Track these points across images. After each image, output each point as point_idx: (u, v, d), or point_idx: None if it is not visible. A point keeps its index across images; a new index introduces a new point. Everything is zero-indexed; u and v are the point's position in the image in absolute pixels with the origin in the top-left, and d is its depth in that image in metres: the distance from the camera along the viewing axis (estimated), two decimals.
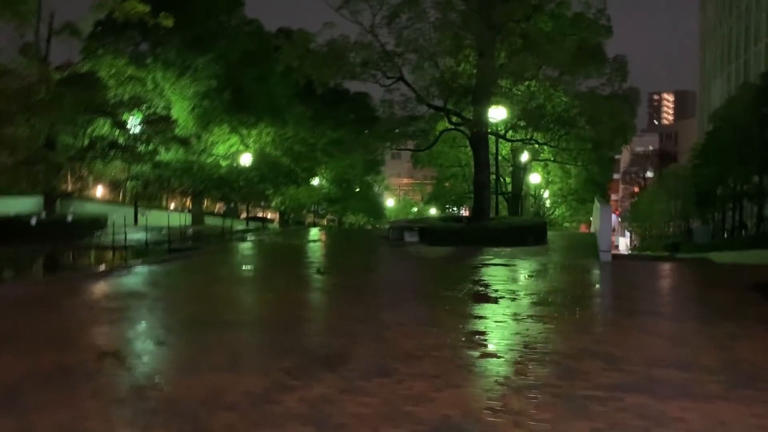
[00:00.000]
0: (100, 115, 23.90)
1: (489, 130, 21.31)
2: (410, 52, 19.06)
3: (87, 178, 36.91)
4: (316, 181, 42.97)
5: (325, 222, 58.00)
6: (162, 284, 11.90)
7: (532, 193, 39.55)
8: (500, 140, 22.63)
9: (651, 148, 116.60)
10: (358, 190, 50.77)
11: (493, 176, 31.84)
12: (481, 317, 8.58)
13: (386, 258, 17.16)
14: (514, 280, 12.57)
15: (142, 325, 8.15)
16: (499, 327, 7.93)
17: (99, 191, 41.53)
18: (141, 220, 32.49)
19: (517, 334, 7.56)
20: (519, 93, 20.28)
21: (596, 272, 14.26)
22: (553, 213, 43.22)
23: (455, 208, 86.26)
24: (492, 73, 19.16)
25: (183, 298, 10.62)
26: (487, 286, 11.46)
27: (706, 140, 29.50)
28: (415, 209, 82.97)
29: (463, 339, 7.27)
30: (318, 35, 20.79)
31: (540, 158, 30.94)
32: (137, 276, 12.91)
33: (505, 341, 7.22)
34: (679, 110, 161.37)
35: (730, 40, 67.03)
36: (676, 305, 10.74)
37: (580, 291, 11.53)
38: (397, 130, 22.14)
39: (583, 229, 46.05)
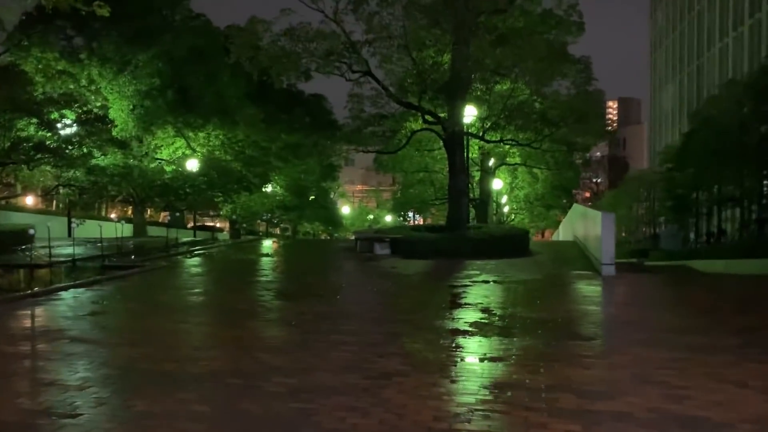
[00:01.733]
0: (24, 113, 20.98)
1: (465, 131, 19.50)
2: (382, 39, 16.98)
3: (14, 186, 33.48)
4: (269, 188, 40.40)
5: (278, 231, 55.32)
6: (87, 316, 9.45)
7: (494, 199, 38.12)
8: (471, 142, 20.90)
9: (599, 154, 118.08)
10: (313, 197, 48.34)
11: None
12: (497, 358, 6.57)
13: (358, 276, 15.01)
14: (519, 303, 10.62)
15: (49, 383, 5.79)
16: (532, 370, 5.92)
17: (29, 200, 37.99)
18: (76, 231, 29.44)
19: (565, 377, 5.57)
20: (498, 89, 18.49)
21: (611, 289, 12.50)
22: (512, 219, 41.91)
23: (411, 216, 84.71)
24: (468, 64, 17.32)
25: (112, 337, 8.23)
26: (489, 312, 9.48)
27: (684, 142, 28.58)
28: (371, 216, 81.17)
29: (501, 395, 5.23)
30: (274, 23, 18.55)
31: (508, 162, 29.32)
32: (57, 304, 10.40)
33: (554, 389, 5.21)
34: (623, 117, 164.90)
35: (681, 44, 67.68)
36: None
37: (617, 317, 9.66)
38: (366, 130, 20.02)
39: (547, 235, 44.95)
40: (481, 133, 19.47)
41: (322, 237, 61.22)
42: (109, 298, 10.99)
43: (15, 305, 10.25)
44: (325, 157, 44.47)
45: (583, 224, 18.69)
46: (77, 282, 12.58)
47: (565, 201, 38.56)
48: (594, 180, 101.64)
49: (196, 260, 17.94)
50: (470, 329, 8.26)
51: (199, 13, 35.74)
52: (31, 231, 13.57)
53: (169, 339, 8.02)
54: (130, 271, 14.62)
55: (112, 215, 45.53)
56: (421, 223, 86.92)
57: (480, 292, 11.75)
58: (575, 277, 13.74)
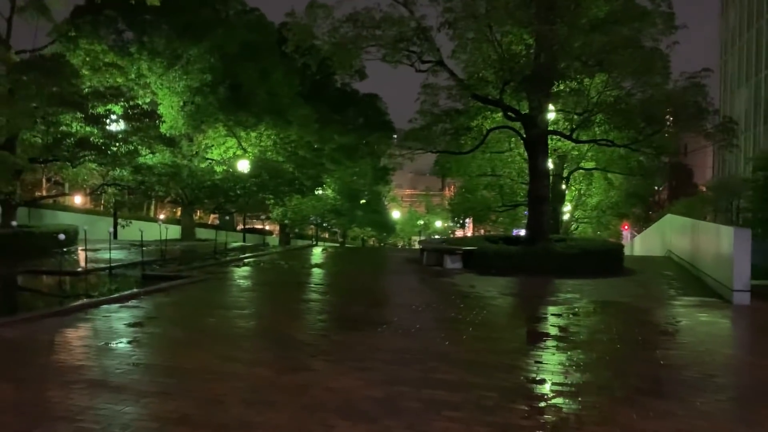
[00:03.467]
0: (68, 107, 19.62)
1: (550, 129, 17.23)
2: (464, 20, 14.76)
3: (62, 184, 32.65)
4: (321, 191, 38.69)
5: (326, 236, 53.65)
6: (115, 346, 7.62)
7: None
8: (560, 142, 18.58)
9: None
10: (363, 201, 46.42)
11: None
12: None
13: (433, 297, 12.85)
14: (647, 344, 8.31)
15: None
16: None
17: (78, 200, 37.25)
18: (122, 233, 28.23)
19: None
20: (588, 83, 16.07)
21: (756, 325, 10.07)
22: (576, 230, 39.00)
23: (462, 224, 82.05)
24: (554, 49, 14.99)
25: (142, 381, 6.33)
26: (615, 360, 7.23)
27: None
28: (421, 222, 79.00)
29: None
30: (335, 8, 16.62)
31: (583, 167, 26.66)
32: (80, 327, 8.63)
33: None
34: None
35: (759, 44, 63.21)
36: None
37: None
38: (437, 127, 17.83)
39: None
40: (569, 133, 17.06)
41: (370, 243, 59.28)
42: (145, 320, 9.15)
43: (29, 328, 8.50)
44: (377, 159, 42.68)
45: (690, 239, 16.11)
46: (111, 296, 10.84)
47: (637, 210, 35.66)
48: (656, 188, 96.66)
49: (245, 270, 16.13)
50: (606, 391, 6.04)
51: (253, 7, 34.42)
52: (61, 236, 11.91)
53: (214, 387, 6.06)
54: (173, 282, 12.87)
55: (161, 216, 44.65)
56: (472, 232, 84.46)
57: (591, 324, 9.48)
58: (698, 305, 11.28)
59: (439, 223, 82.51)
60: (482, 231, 78.38)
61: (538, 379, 6.51)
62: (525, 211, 38.54)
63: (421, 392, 6.03)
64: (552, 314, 10.25)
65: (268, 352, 7.59)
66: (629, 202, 33.07)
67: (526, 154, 25.63)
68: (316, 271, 16.61)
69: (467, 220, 60.51)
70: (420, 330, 8.86)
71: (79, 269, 14.49)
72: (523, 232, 48.94)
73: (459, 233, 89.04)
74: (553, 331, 8.96)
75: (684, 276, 15.07)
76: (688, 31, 18.34)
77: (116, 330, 8.62)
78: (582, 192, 33.17)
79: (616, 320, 10.15)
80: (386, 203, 57.87)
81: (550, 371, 6.80)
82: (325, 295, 12.29)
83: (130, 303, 10.62)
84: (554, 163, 25.11)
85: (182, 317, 9.82)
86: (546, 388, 6.20)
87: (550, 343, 8.19)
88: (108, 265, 14.33)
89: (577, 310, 10.66)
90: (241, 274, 15.36)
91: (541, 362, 7.20)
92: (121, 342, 7.81)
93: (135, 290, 11.61)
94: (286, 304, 11.31)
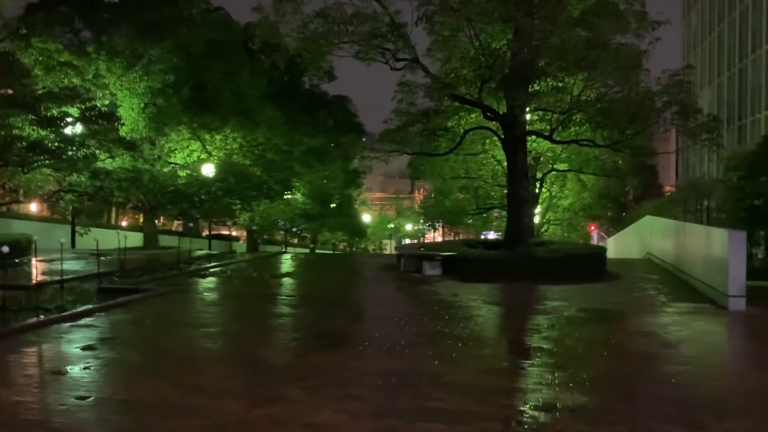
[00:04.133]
0: (18, 109, 18.34)
1: (529, 128, 16.64)
2: (443, 12, 14.00)
3: (16, 191, 31.00)
4: (290, 195, 37.64)
5: (295, 241, 52.51)
6: (61, 376, 6.68)
7: None
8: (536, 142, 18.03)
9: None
10: (334, 205, 45.43)
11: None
12: None
13: (415, 307, 12.09)
14: (651, 360, 7.71)
15: None
16: None
17: (33, 207, 35.55)
18: (80, 241, 26.85)
19: None
20: (568, 82, 15.51)
21: (756, 332, 9.57)
22: (546, 231, 38.68)
23: (432, 227, 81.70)
24: (533, 44, 14.40)
25: (92, 423, 5.42)
26: (624, 378, 6.59)
27: (762, 148, 25.48)
28: (392, 225, 78.39)
29: None
30: (304, 4, 15.78)
31: (557, 168, 26.25)
32: (24, 353, 7.64)
33: None
34: None
35: (720, 47, 64.19)
36: None
37: None
38: (413, 128, 17.07)
39: None
40: (548, 132, 16.48)
41: (340, 248, 58.29)
42: (98, 342, 8.19)
43: None
44: (348, 162, 41.79)
45: (674, 241, 15.68)
46: (61, 315, 9.81)
47: (609, 212, 35.55)
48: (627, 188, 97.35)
49: (211, 281, 15.15)
50: (625, 418, 5.37)
51: (218, 6, 33.29)
52: (5, 248, 10.79)
53: (175, 425, 5.20)
54: (132, 296, 11.86)
55: (123, 223, 43.05)
56: (443, 235, 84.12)
57: (587, 336, 8.86)
58: (693, 312, 10.76)
59: (409, 227, 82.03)
60: (453, 235, 78.15)
61: (543, 404, 5.80)
62: (495, 214, 38.19)
63: (416, 425, 5.29)
64: (543, 325, 9.59)
65: (237, 380, 6.73)
66: (601, 204, 32.84)
67: (500, 155, 25.23)
68: (287, 280, 15.71)
69: (437, 223, 59.99)
70: (405, 347, 8.08)
71: (30, 283, 13.34)
72: (491, 235, 48.48)
73: (429, 237, 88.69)
74: (548, 345, 8.29)
75: (670, 280, 14.61)
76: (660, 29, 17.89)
77: (65, 355, 7.66)
78: (554, 194, 32.83)
79: (613, 331, 9.54)
80: (357, 207, 56.99)
81: (555, 394, 6.10)
82: (298, 308, 11.42)
83: (82, 321, 9.64)
84: (528, 165, 24.59)
85: (141, 338, 8.87)
86: (556, 416, 5.49)
87: (547, 359, 7.51)
88: (60, 279, 13.19)
89: (568, 319, 10.03)
90: (206, 285, 14.38)
91: (542, 383, 6.50)
92: (69, 370, 6.87)
93: (89, 306, 10.58)
94: (257, 320, 10.43)
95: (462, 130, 17.57)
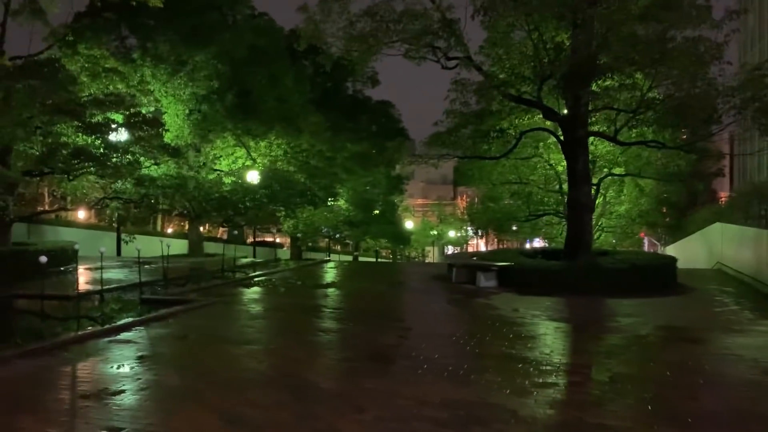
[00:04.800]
0: (64, 116, 18.17)
1: (591, 129, 15.54)
2: (503, 3, 13.11)
3: (64, 199, 31.30)
4: (333, 202, 37.11)
5: (339, 248, 52.01)
6: (87, 407, 6.04)
7: None
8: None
9: None
10: (377, 212, 44.72)
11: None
12: None
13: (472, 324, 11.20)
14: None
15: None
16: None
17: (81, 214, 35.90)
18: (125, 249, 26.80)
19: None
20: (631, 81, 14.39)
21: None
22: (598, 239, 37.06)
23: (474, 234, 79.93)
24: (593, 43, 13.39)
25: None
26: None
27: None
28: (434, 232, 77.24)
29: None
30: (351, 2, 15.11)
31: (614, 173, 24.88)
32: (51, 373, 7.06)
33: None
34: None
35: None
36: None
37: None
38: (466, 129, 16.18)
39: None
40: (612, 133, 15.35)
41: (382, 254, 57.46)
42: (135, 361, 7.57)
43: None
44: (391, 168, 41.05)
45: (753, 250, 14.36)
46: (98, 329, 9.27)
47: (669, 219, 33.80)
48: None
49: (256, 291, 14.54)
50: None
51: (261, 11, 33.10)
52: (43, 258, 10.36)
53: None
54: (173, 308, 11.30)
55: (169, 231, 43.25)
56: (486, 243, 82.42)
57: (679, 360, 7.82)
58: None
59: (452, 233, 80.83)
60: (498, 242, 76.51)
61: None
62: (545, 221, 36.78)
63: None
64: (620, 346, 8.58)
65: (284, 409, 5.96)
66: (659, 210, 31.17)
67: (553, 159, 24.06)
68: (332, 291, 14.99)
69: (480, 230, 58.59)
70: (470, 372, 7.21)
71: (70, 293, 12.96)
72: (537, 243, 46.68)
73: (472, 244, 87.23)
74: (632, 369, 7.30)
75: (750, 293, 13.33)
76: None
77: (100, 375, 7.06)
78: (608, 200, 31.30)
79: (702, 353, 8.46)
80: (399, 213, 56.21)
81: None
82: (347, 323, 10.67)
83: (121, 336, 9.07)
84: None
85: (181, 356, 8.23)
86: None
87: (635, 388, 6.53)
88: (99, 289, 12.75)
89: (646, 339, 8.99)
90: (251, 296, 13.78)
91: (637, 419, 5.53)
92: (103, 395, 6.23)
93: (128, 320, 10.04)
94: (303, 335, 9.71)
95: (517, 132, 16.60)
